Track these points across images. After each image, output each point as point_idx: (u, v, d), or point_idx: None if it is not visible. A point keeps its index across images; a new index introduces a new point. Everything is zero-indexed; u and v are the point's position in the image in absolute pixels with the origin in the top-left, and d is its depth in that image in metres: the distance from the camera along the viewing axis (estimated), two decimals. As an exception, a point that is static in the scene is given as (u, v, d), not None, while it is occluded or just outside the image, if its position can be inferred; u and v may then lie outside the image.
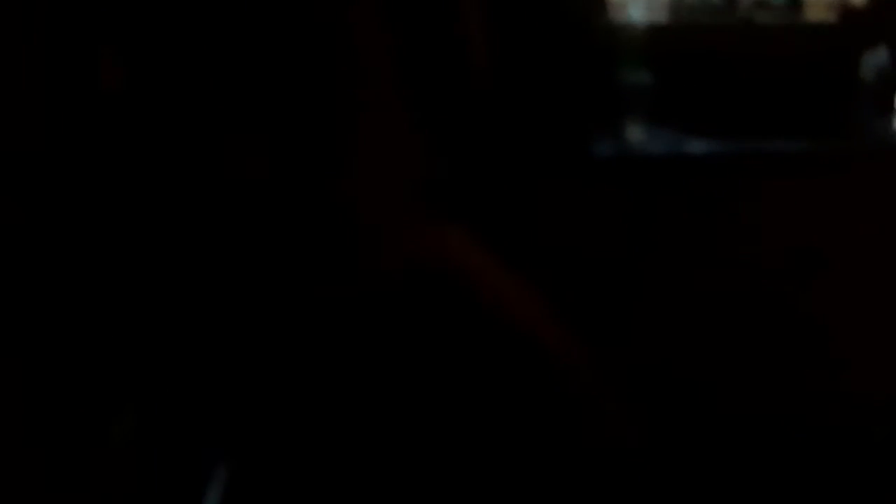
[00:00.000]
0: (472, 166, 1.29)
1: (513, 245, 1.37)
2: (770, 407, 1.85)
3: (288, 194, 0.72)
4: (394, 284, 0.77)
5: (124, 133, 0.85)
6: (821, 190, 1.94)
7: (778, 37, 2.06)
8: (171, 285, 0.83)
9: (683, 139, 1.88)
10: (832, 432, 1.78)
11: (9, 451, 0.87)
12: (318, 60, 0.72)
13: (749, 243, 1.89)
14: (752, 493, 1.68)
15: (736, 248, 1.88)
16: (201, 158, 0.70)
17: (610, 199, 1.81)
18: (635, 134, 1.91)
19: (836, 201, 1.94)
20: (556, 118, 1.82)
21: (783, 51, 2.04)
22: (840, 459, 1.73)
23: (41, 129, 0.84)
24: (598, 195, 1.80)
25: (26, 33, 0.82)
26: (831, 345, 1.93)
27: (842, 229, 1.95)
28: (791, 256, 1.95)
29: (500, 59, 1.54)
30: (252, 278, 0.75)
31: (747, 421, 1.80)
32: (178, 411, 0.93)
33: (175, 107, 0.74)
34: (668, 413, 1.70)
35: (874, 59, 2.08)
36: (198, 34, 0.73)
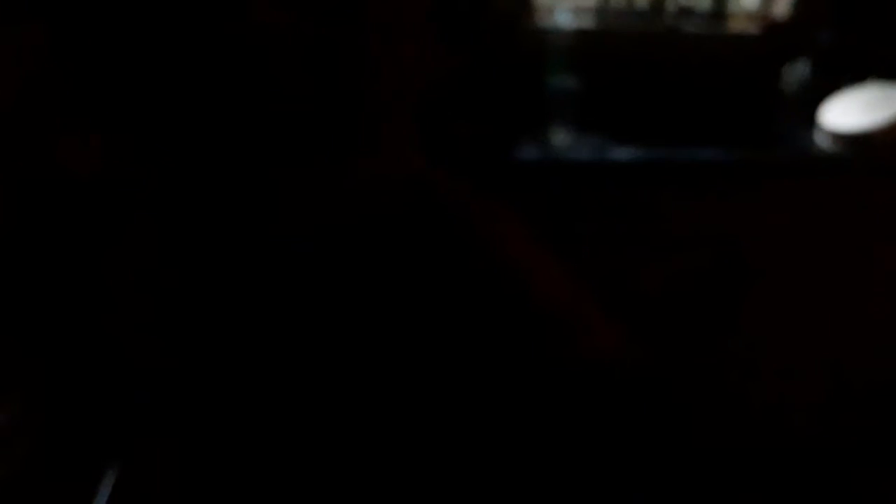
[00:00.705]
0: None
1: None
2: (692, 409, 1.85)
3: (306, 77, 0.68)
4: (389, 197, 0.73)
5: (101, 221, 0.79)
6: (743, 198, 1.95)
7: (702, 45, 2.07)
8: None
9: (608, 145, 1.87)
10: (757, 444, 1.79)
11: None
12: None
13: (672, 249, 1.89)
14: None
15: (659, 254, 1.88)
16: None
17: (533, 204, 1.79)
18: (560, 139, 1.89)
19: (758, 209, 1.95)
20: (480, 122, 1.80)
21: (707, 59, 2.05)
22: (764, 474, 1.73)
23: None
24: (521, 200, 1.78)
25: None
26: (756, 352, 1.94)
27: (763, 236, 1.96)
28: (714, 263, 1.96)
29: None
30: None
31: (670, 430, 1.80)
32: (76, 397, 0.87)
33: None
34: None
35: (795, 71, 2.10)
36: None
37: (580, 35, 1.96)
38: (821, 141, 2.02)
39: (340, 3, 0.67)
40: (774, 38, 2.09)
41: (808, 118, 2.05)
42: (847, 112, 2.04)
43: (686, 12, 2.06)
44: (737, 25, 2.12)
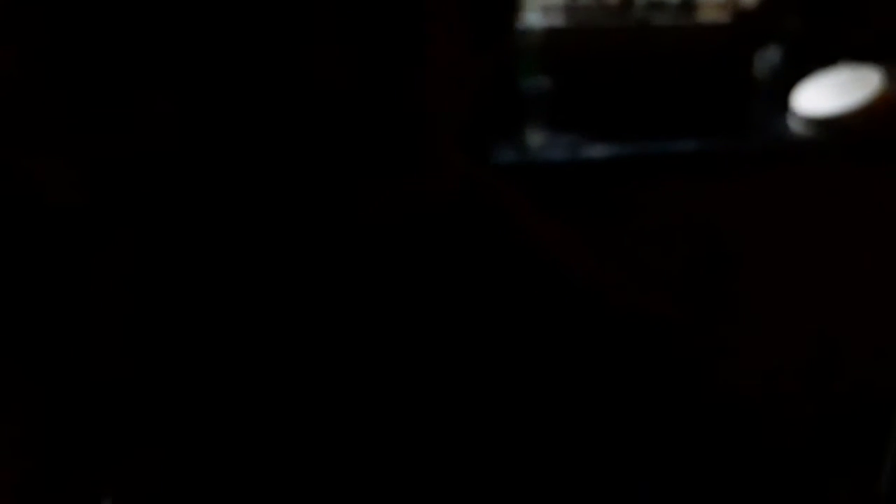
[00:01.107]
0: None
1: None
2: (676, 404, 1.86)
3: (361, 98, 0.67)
4: (444, 205, 0.73)
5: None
6: (720, 187, 1.96)
7: (673, 38, 2.08)
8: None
9: (583, 143, 1.89)
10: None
11: None
12: None
13: (652, 244, 1.90)
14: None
15: (639, 250, 1.89)
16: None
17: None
18: (535, 140, 1.90)
19: (736, 197, 1.97)
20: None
21: (679, 52, 2.07)
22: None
23: None
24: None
25: None
26: (739, 342, 1.96)
27: (743, 223, 1.97)
28: (696, 253, 1.97)
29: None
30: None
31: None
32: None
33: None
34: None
35: (767, 58, 2.12)
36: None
37: (550, 34, 1.97)
38: (795, 126, 2.04)
39: (403, 46, 0.68)
40: (744, 27, 2.11)
41: (782, 104, 2.07)
42: (819, 96, 2.05)
43: (656, 5, 2.07)
44: (706, 15, 2.13)
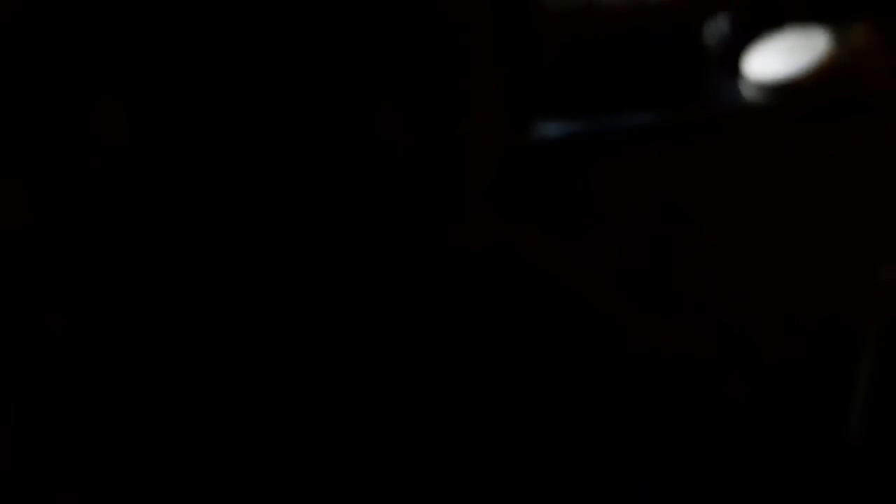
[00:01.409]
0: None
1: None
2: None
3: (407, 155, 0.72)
4: (479, 260, 0.77)
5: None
6: (677, 158, 1.99)
7: (622, 13, 2.10)
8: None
9: (538, 123, 1.91)
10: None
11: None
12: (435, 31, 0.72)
13: (611, 220, 1.93)
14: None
15: (599, 226, 1.92)
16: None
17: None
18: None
19: (693, 167, 2.00)
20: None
21: (629, 26, 2.09)
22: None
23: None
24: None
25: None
26: (705, 315, 1.99)
27: (700, 194, 2.00)
28: (659, 224, 2.01)
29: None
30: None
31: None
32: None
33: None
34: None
35: (716, 27, 2.14)
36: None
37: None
38: (747, 92, 2.07)
39: (451, 116, 0.72)
40: (692, -3, 2.13)
41: (734, 72, 2.10)
42: (770, 61, 2.08)
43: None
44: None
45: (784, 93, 2.03)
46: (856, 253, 1.96)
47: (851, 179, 2.01)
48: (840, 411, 1.79)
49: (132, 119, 0.80)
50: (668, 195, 2.00)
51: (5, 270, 0.81)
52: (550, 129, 1.89)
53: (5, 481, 0.84)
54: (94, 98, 0.82)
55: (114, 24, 0.70)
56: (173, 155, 0.76)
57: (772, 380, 1.93)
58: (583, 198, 1.92)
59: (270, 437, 0.82)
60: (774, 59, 2.07)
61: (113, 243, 0.79)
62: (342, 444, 0.79)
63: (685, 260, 2.01)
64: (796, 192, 2.02)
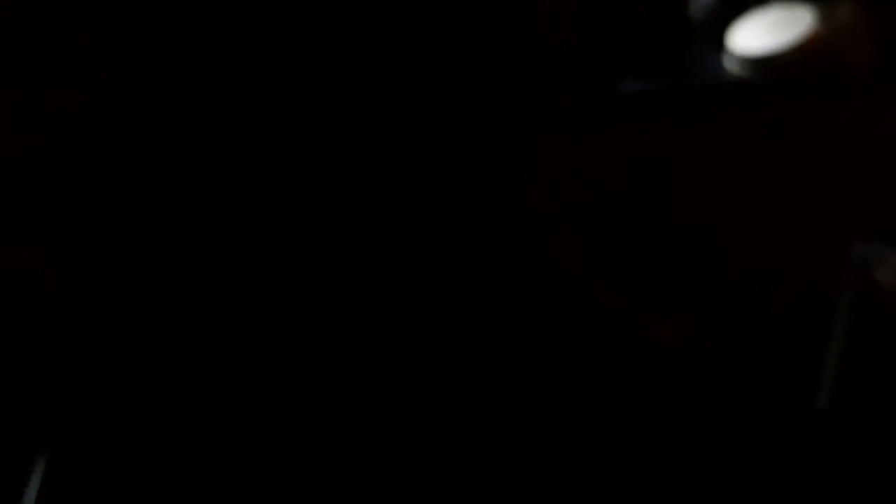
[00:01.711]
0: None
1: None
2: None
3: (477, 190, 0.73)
4: (534, 282, 0.79)
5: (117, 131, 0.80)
6: (658, 127, 2.00)
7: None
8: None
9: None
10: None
11: None
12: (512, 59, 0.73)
13: (592, 188, 1.94)
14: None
15: (581, 195, 1.93)
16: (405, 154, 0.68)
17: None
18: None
19: (674, 138, 2.00)
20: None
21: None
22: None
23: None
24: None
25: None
26: (678, 286, 2.00)
27: (680, 165, 2.01)
28: (634, 197, 2.01)
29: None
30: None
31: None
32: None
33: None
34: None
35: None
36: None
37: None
38: (730, 65, 2.07)
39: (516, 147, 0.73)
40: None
41: (718, 44, 2.10)
42: (754, 35, 2.08)
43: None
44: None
45: (767, 67, 2.04)
46: (831, 228, 1.97)
47: (829, 155, 2.02)
48: (810, 383, 1.81)
49: (109, 52, 0.79)
50: (645, 164, 2.01)
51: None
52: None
53: None
54: (70, 31, 0.82)
55: None
56: (149, 89, 0.76)
57: (744, 352, 1.95)
58: (562, 165, 1.92)
59: (275, 435, 0.83)
60: (759, 33, 2.07)
61: (85, 174, 0.79)
62: (352, 443, 0.80)
63: (659, 230, 2.02)
64: (773, 166, 2.03)
